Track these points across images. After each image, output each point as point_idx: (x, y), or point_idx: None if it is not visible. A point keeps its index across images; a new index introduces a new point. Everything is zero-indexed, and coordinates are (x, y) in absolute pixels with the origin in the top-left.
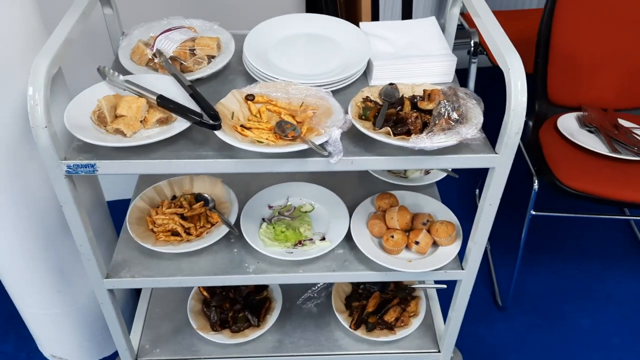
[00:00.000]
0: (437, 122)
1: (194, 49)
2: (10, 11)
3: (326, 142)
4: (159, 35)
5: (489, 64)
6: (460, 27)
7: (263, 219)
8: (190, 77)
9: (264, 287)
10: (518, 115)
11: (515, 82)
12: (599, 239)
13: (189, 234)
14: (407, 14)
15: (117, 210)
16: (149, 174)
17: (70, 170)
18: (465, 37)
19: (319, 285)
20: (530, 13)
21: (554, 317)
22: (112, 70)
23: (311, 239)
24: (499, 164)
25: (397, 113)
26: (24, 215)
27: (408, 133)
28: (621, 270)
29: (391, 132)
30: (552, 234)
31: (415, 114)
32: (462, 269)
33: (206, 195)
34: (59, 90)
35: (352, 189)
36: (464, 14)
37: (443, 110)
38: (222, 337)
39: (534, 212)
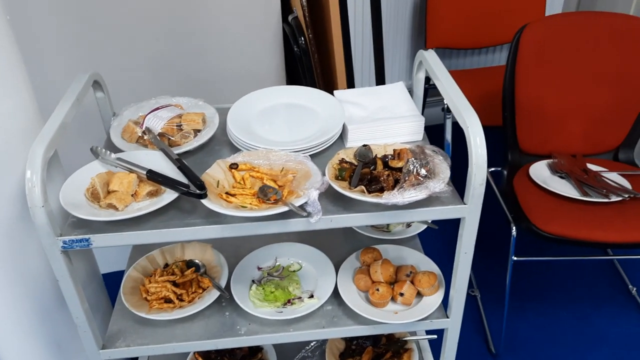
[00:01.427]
0: (407, 178)
1: (181, 125)
2: (8, 102)
3: (305, 203)
4: (147, 114)
5: None
6: (434, 87)
7: (253, 281)
8: (178, 150)
9: (259, 350)
10: (480, 167)
11: (474, 138)
12: (586, 281)
13: (181, 300)
14: (380, 80)
15: (112, 281)
16: (142, 244)
17: (66, 245)
18: (439, 95)
19: (312, 344)
20: (498, 69)
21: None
22: (104, 150)
23: (300, 297)
24: (468, 214)
25: (371, 172)
26: (22, 292)
27: (381, 190)
28: (610, 310)
29: (365, 190)
30: (539, 279)
31: (387, 172)
32: (447, 317)
33: (197, 261)
34: (54, 170)
35: (338, 245)
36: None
37: (412, 167)
38: None
39: (515, 258)
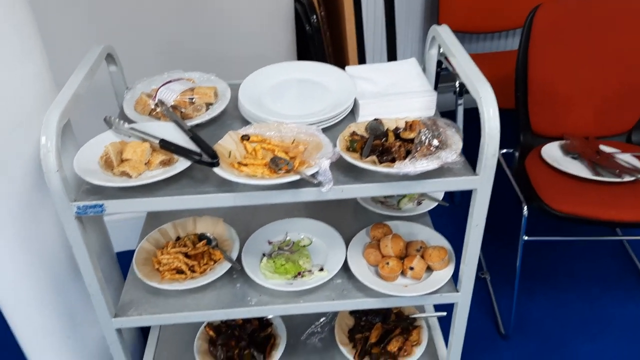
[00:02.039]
0: (418, 149)
1: (193, 98)
2: (25, 69)
3: (317, 172)
4: (160, 87)
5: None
6: (446, 71)
7: (263, 254)
8: (190, 123)
9: (268, 324)
10: (492, 138)
11: (487, 109)
12: (595, 263)
13: (193, 271)
14: (392, 58)
15: (124, 260)
16: (154, 215)
17: (80, 211)
18: (452, 80)
19: (322, 320)
20: (510, 54)
21: (556, 344)
22: (117, 119)
23: (310, 270)
24: (480, 185)
25: (382, 144)
26: (36, 262)
27: (393, 161)
28: (619, 292)
29: (377, 161)
30: (549, 261)
31: (398, 143)
32: (457, 291)
33: (208, 234)
34: (68, 140)
35: (348, 222)
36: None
37: (424, 137)
38: None
39: (526, 238)
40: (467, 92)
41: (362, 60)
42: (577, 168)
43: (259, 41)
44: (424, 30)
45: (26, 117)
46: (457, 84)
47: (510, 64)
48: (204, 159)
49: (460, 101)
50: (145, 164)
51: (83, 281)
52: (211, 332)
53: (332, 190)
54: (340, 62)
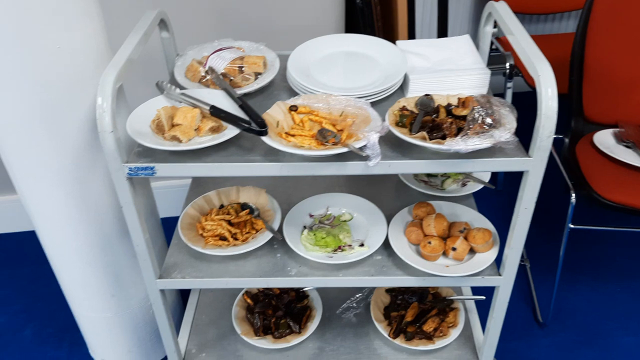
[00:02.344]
0: (471, 126)
1: (243, 67)
2: (83, 30)
3: (365, 146)
4: (211, 54)
5: (524, 89)
6: (496, 52)
7: (304, 227)
8: (238, 92)
9: (305, 296)
10: (549, 118)
11: (545, 88)
12: None
13: (235, 238)
14: (442, 33)
15: (167, 226)
16: (199, 183)
17: (131, 172)
18: (501, 62)
19: (358, 296)
20: (564, 37)
21: (595, 335)
22: (169, 84)
23: (350, 245)
24: (532, 167)
25: (433, 120)
26: (85, 221)
27: (443, 138)
28: None
29: (427, 137)
30: (593, 251)
31: (450, 120)
32: (500, 275)
33: (251, 204)
34: (120, 103)
35: (390, 200)
36: (499, 39)
37: (477, 115)
38: (265, 342)
39: (572, 226)
40: (517, 74)
41: (411, 36)
42: (631, 157)
43: (307, 12)
44: (474, 8)
45: (82, 78)
46: (507, 65)
47: (564, 47)
48: (253, 127)
49: (509, 84)
50: (195, 129)
51: (129, 242)
52: (249, 300)
53: (379, 165)
54: (389, 37)
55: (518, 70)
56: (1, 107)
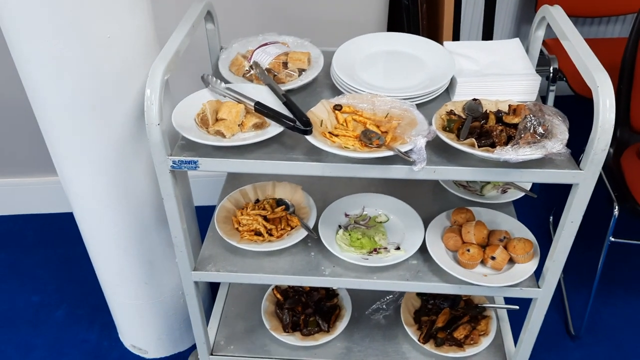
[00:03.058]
0: (522, 135)
1: (287, 63)
2: (133, 21)
3: (411, 150)
4: (256, 49)
5: (566, 93)
6: (540, 54)
7: (339, 226)
8: (282, 87)
9: (335, 295)
10: (605, 131)
11: (603, 100)
12: None
13: (270, 234)
14: (487, 35)
15: (200, 215)
16: (235, 176)
17: (175, 165)
18: (544, 64)
19: (388, 298)
20: (611, 42)
21: (630, 351)
22: (214, 78)
23: (386, 248)
24: (583, 181)
25: (482, 126)
26: (124, 209)
27: (492, 145)
28: None
29: (476, 144)
30: (632, 265)
31: (500, 127)
32: (539, 287)
33: (287, 200)
34: (165, 96)
35: (427, 203)
36: (543, 41)
37: (529, 124)
38: (293, 339)
39: (612, 239)
40: (560, 78)
41: (456, 36)
42: None
43: (352, 7)
44: (519, 9)
45: (130, 68)
46: (551, 69)
47: (612, 52)
48: (298, 125)
49: (552, 88)
50: (239, 125)
51: (165, 231)
52: (278, 295)
53: (424, 170)
54: (434, 36)
55: (562, 74)
56: (51, 92)
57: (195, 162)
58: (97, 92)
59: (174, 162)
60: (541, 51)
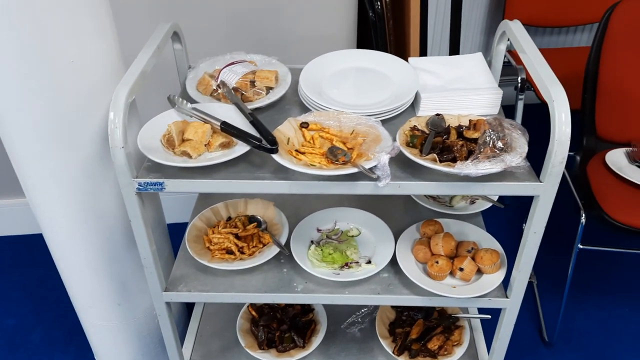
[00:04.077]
0: (482, 150)
1: (254, 81)
2: (96, 45)
3: (375, 166)
4: (223, 68)
5: (535, 101)
6: (507, 64)
7: (312, 241)
8: (250, 106)
9: (310, 310)
10: (562, 145)
11: (559, 114)
12: None
13: (242, 252)
14: (454, 51)
15: (174, 233)
16: (207, 194)
17: (140, 187)
18: (513, 74)
19: (363, 311)
20: (577, 50)
21: (602, 356)
22: (180, 99)
23: (357, 262)
24: (543, 192)
25: (444, 141)
26: (93, 231)
27: (454, 160)
28: None
29: (437, 159)
30: (602, 271)
31: (461, 142)
32: (507, 297)
33: (259, 217)
34: (132, 116)
35: (398, 216)
36: (511, 52)
37: (488, 139)
38: (269, 356)
39: (581, 246)
40: (528, 88)
41: (423, 51)
42: None
43: (321, 25)
44: (488, 22)
45: (95, 91)
46: (519, 79)
47: (578, 61)
48: (264, 144)
49: (521, 96)
50: (205, 145)
51: (136, 252)
52: (253, 312)
53: (388, 186)
54: (401, 50)
55: (530, 84)
56: (16, 116)
57: (161, 184)
58: (63, 115)
59: (139, 184)
60: (509, 62)
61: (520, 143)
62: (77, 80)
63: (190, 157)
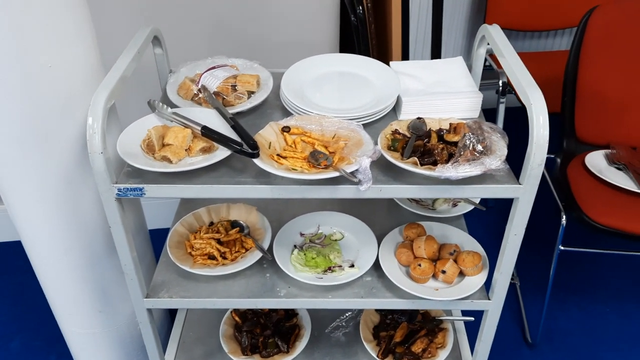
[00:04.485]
0: (462, 153)
1: (236, 85)
2: (75, 49)
3: (356, 170)
4: (204, 73)
5: (517, 104)
6: (489, 68)
7: (295, 246)
8: (231, 110)
9: (294, 315)
10: (540, 147)
11: (537, 117)
12: (632, 277)
13: (224, 258)
14: (436, 54)
15: (156, 238)
16: (189, 199)
17: (120, 193)
18: (494, 77)
19: (347, 315)
20: (557, 54)
21: (584, 356)
22: (161, 103)
23: (340, 266)
24: (523, 194)
25: (425, 145)
26: (74, 238)
27: (434, 163)
28: None
29: (418, 162)
30: (583, 272)
31: (441, 146)
32: (489, 299)
33: (241, 222)
34: (111, 121)
35: (381, 219)
36: (492, 56)
37: (468, 142)
38: None
39: (562, 248)
40: (510, 92)
41: (405, 54)
42: (622, 180)
43: (302, 29)
44: (469, 25)
45: (73, 96)
46: (500, 82)
47: (558, 65)
48: (245, 149)
49: (502, 100)
50: (186, 150)
51: (117, 258)
52: (237, 318)
53: (370, 189)
54: (383, 54)
55: (511, 87)
56: None
57: (141, 189)
58: (41, 120)
59: (119, 189)
60: (490, 65)
61: (500, 146)
62: (55, 85)
63: (170, 162)
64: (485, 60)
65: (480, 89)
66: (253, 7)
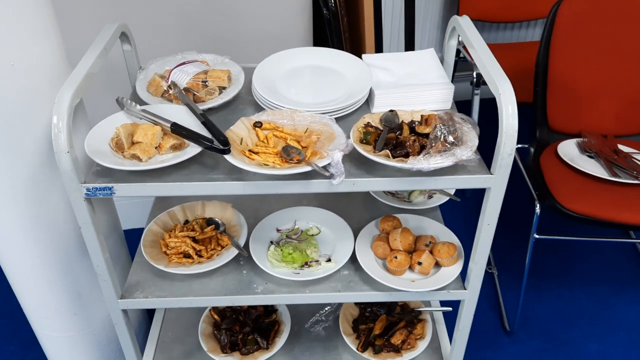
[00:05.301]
0: (433, 144)
1: (206, 81)
2: (39, 46)
3: (329, 164)
4: (174, 69)
5: (492, 96)
6: (464, 60)
7: (271, 242)
8: (202, 106)
9: (273, 311)
10: (510, 137)
11: (506, 106)
12: (606, 263)
13: (200, 255)
14: (410, 47)
15: (132, 238)
16: (163, 197)
17: (89, 192)
18: (469, 69)
19: (326, 309)
20: (529, 45)
21: (561, 342)
22: (129, 101)
23: (317, 261)
24: (494, 184)
25: (397, 137)
26: (44, 240)
27: (406, 155)
28: (629, 294)
29: (390, 155)
30: (559, 259)
31: (413, 138)
32: (465, 289)
33: (217, 219)
34: (79, 119)
35: (357, 213)
36: (466, 47)
37: (439, 133)
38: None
39: (537, 236)
40: (484, 83)
41: (379, 47)
42: (593, 167)
43: (275, 23)
44: (443, 17)
45: (37, 95)
46: (474, 74)
47: (530, 56)
48: (215, 145)
49: (476, 91)
50: (156, 147)
51: (90, 259)
52: (216, 316)
53: (343, 183)
54: (357, 48)
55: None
56: None
57: (110, 189)
58: (5, 120)
59: (87, 189)
60: (464, 57)
61: (471, 137)
62: (18, 83)
63: (140, 160)
64: (460, 52)
65: (454, 81)
66: (223, 1)
